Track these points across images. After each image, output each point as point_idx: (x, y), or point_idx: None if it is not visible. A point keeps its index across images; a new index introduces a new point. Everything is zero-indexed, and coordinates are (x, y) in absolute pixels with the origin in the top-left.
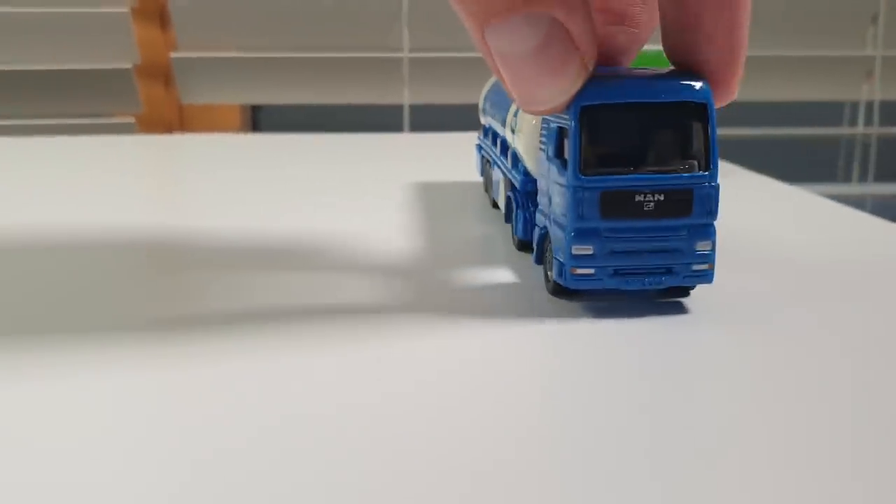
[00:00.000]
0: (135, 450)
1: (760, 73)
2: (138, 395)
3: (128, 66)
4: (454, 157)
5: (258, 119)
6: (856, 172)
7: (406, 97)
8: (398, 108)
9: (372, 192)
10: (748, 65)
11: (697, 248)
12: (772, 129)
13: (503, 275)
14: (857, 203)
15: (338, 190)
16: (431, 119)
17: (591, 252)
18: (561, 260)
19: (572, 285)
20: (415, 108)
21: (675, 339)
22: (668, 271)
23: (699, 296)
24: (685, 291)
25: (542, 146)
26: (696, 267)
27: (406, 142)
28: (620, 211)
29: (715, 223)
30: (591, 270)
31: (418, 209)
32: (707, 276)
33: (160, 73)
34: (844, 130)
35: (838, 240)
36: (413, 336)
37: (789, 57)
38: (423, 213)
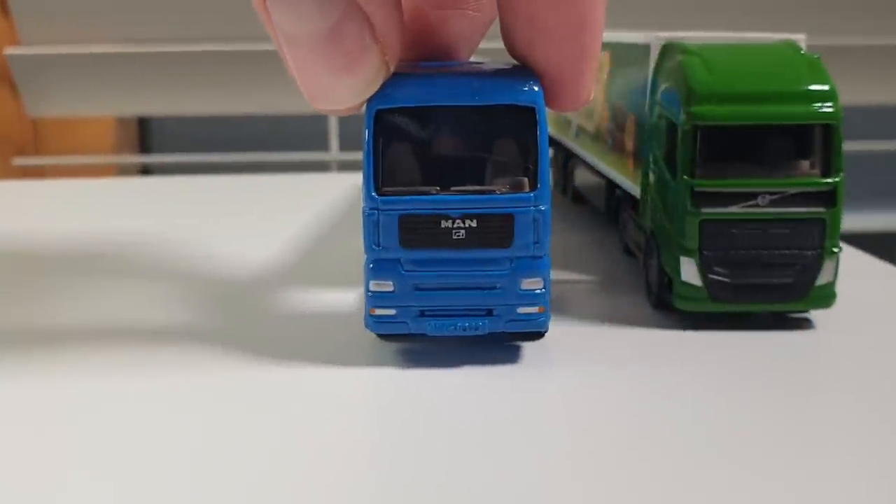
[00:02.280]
0: None
1: None
2: None
3: None
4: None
5: (147, 135)
6: None
7: None
8: (323, 120)
9: None
10: None
11: (523, 287)
12: None
13: None
14: None
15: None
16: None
17: (391, 288)
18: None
19: (373, 329)
20: (344, 120)
21: None
22: (489, 313)
23: None
24: (535, 335)
25: None
26: (522, 309)
27: (332, 185)
28: (425, 239)
29: (546, 255)
30: (393, 311)
31: None
32: (537, 322)
33: (2, 75)
34: None
35: None
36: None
37: None
38: None
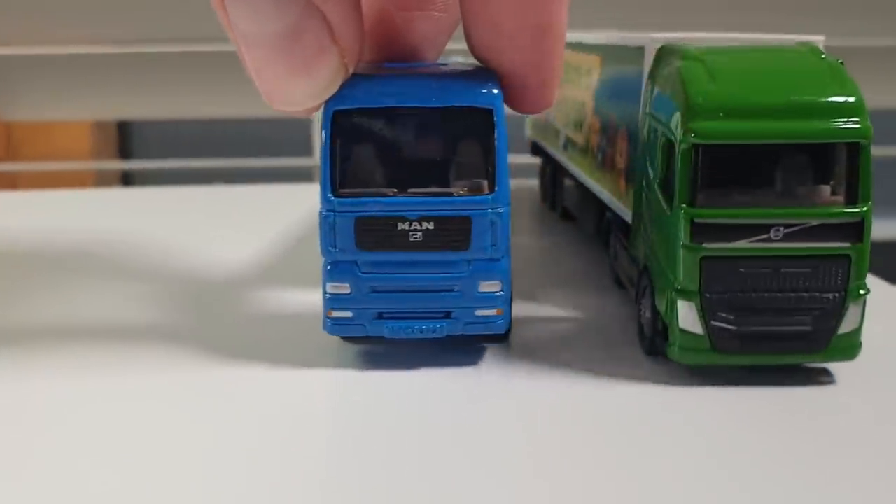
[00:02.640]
0: None
1: None
2: None
3: None
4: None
5: (128, 140)
6: None
7: None
8: (306, 124)
9: None
10: None
11: (481, 289)
12: None
13: None
14: None
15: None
16: None
17: (347, 291)
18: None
19: (330, 331)
20: None
21: None
22: (447, 316)
23: None
24: (497, 337)
25: None
26: (480, 312)
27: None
28: (381, 241)
29: (505, 257)
30: (350, 313)
31: None
32: (496, 324)
33: None
34: None
35: None
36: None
37: None
38: None
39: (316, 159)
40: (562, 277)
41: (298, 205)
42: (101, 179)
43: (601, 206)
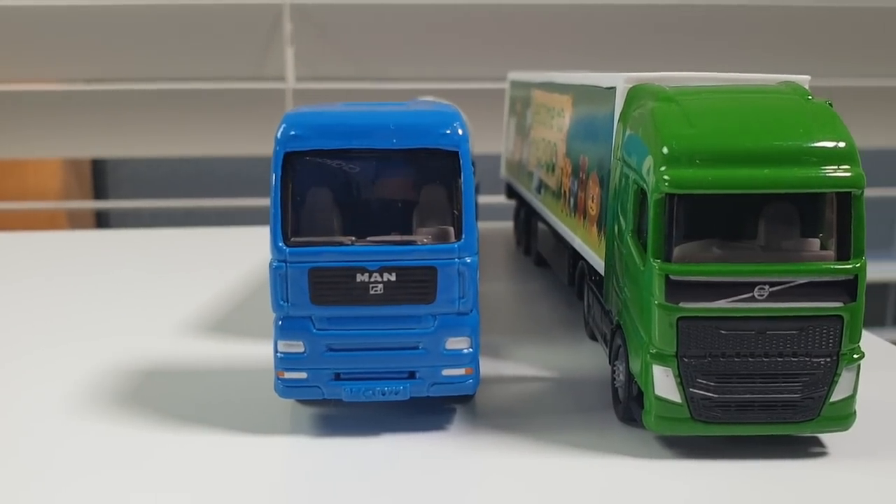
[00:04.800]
0: None
1: None
2: None
3: None
4: None
5: (101, 178)
6: None
7: None
8: None
9: None
10: None
11: (448, 346)
12: None
13: None
14: None
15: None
16: None
17: (301, 349)
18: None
19: (282, 394)
20: None
21: None
22: (411, 376)
23: None
24: (468, 397)
25: None
26: (448, 371)
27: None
28: (338, 295)
29: (474, 311)
30: (304, 374)
31: None
32: (464, 385)
33: None
34: None
35: None
36: None
37: None
38: None
39: None
40: (534, 328)
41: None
42: (75, 220)
43: (575, 254)
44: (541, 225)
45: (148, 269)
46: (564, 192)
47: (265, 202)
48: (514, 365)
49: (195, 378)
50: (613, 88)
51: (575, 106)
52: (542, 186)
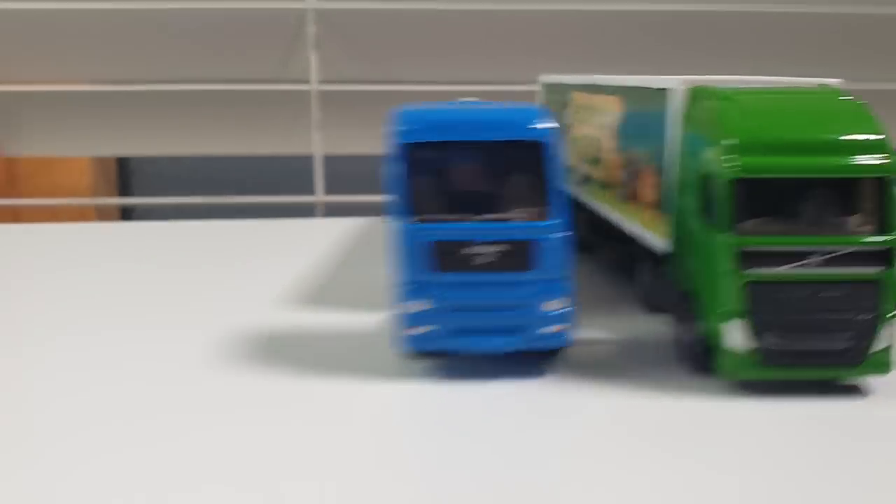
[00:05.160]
0: None
1: None
2: None
3: None
4: None
5: (127, 177)
6: None
7: (316, 145)
8: (307, 160)
9: None
10: None
11: (544, 307)
12: None
13: None
14: None
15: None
16: (351, 169)
17: (426, 308)
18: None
19: (411, 345)
20: (331, 162)
21: None
22: (515, 331)
23: None
24: (558, 352)
25: None
26: (544, 329)
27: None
28: (455, 263)
29: (564, 279)
30: (428, 328)
31: None
32: (559, 339)
33: None
34: None
35: None
36: None
37: None
38: None
39: (319, 196)
40: (589, 304)
41: (301, 239)
42: (102, 215)
43: (624, 239)
44: (579, 214)
45: (217, 258)
46: (615, 182)
47: (285, 199)
48: (581, 332)
49: (306, 342)
50: (665, 90)
51: (624, 106)
52: (586, 178)
